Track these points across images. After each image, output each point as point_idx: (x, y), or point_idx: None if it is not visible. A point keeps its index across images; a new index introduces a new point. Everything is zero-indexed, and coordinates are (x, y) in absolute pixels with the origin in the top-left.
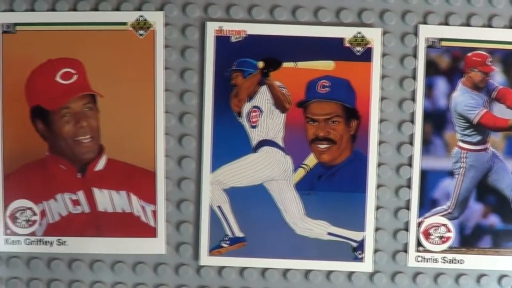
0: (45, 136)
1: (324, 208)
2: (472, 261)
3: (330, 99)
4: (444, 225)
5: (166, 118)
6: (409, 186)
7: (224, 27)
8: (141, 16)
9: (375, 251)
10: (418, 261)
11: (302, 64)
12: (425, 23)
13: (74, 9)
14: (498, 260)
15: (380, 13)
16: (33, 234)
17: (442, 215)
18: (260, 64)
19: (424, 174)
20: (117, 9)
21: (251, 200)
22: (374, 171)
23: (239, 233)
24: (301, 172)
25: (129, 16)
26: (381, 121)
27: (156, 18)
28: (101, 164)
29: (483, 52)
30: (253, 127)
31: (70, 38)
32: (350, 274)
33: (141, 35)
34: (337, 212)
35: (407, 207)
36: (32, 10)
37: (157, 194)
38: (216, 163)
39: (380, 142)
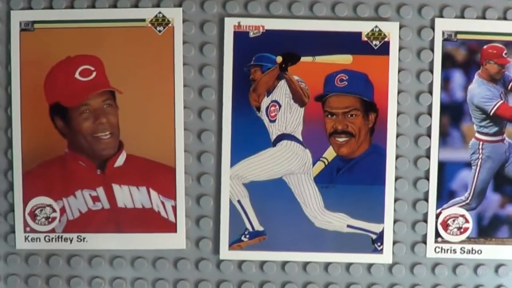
0: (65, 133)
1: (343, 200)
2: (490, 251)
3: (348, 92)
4: (462, 215)
5: (185, 113)
6: (427, 177)
7: (242, 22)
8: (160, 13)
9: (394, 242)
10: (437, 252)
11: (320, 59)
12: (441, 16)
13: (93, 6)
14: None
15: (396, 7)
16: (52, 231)
17: (460, 206)
18: (279, 59)
19: (441, 165)
20: (136, 5)
21: (271, 194)
22: (392, 163)
23: (258, 227)
24: (320, 165)
25: (147, 13)
26: (399, 114)
27: (174, 15)
28: (120, 160)
29: (498, 45)
30: (272, 121)
31: (88, 35)
32: (369, 266)
33: (159, 31)
34: (356, 205)
35: (426, 199)
36: (50, 7)
37: (177, 189)
38: (236, 158)
39: (398, 135)
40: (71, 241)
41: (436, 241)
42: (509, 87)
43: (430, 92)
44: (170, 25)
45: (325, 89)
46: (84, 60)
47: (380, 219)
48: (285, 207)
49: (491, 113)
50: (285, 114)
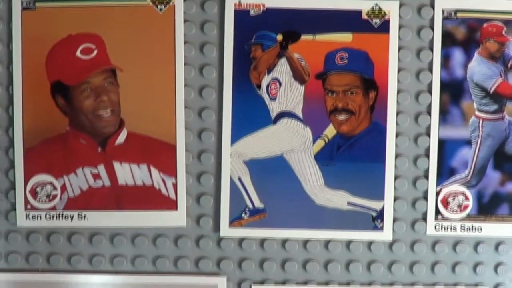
0: (66, 111)
1: (343, 178)
2: (490, 229)
3: (348, 70)
4: (462, 193)
5: (186, 91)
6: (427, 155)
7: (243, 1)
8: None
9: (394, 220)
10: (437, 230)
11: (320, 37)
12: None
13: None
14: None
15: None
16: (53, 208)
17: (460, 184)
18: (279, 37)
19: (441, 143)
20: None
21: (271, 172)
22: (392, 141)
23: (259, 205)
24: (320, 143)
25: None
26: (399, 91)
27: None
28: (121, 138)
29: (498, 23)
30: (273, 99)
31: (90, 14)
32: (369, 244)
33: (160, 10)
34: (357, 182)
35: (426, 176)
36: None
37: (178, 166)
38: (236, 136)
39: (398, 113)
40: (71, 218)
41: (436, 219)
42: (509, 65)
43: (430, 70)
44: (171, 3)
45: (326, 67)
46: (85, 38)
47: (380, 196)
48: (285, 184)
49: (491, 91)
50: (286, 92)
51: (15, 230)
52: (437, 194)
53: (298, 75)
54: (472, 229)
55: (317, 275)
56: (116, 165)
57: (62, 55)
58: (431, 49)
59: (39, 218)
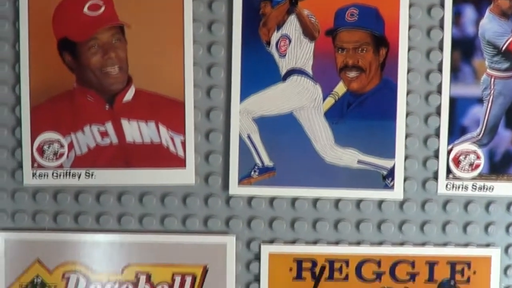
0: (73, 68)
1: (353, 136)
2: (502, 188)
3: (358, 27)
4: (474, 152)
5: (194, 48)
6: (438, 113)
7: None
8: None
9: (405, 179)
10: (448, 189)
11: None
12: None
13: None
14: None
15: None
16: (60, 166)
17: (472, 142)
18: None
19: (453, 101)
20: None
21: (281, 129)
22: (403, 99)
23: (268, 163)
24: (330, 101)
25: None
26: (410, 49)
27: None
28: (129, 95)
29: None
30: (282, 56)
31: None
32: (380, 203)
33: None
34: (367, 140)
35: (437, 135)
36: None
37: (186, 124)
38: (245, 93)
39: (409, 70)
40: (79, 177)
41: (447, 178)
42: None
43: (441, 27)
44: None
45: (336, 23)
46: None
47: (391, 155)
48: (295, 142)
49: (503, 49)
50: (295, 49)
51: (22, 189)
52: (448, 152)
53: (308, 32)
54: (484, 189)
55: (327, 234)
56: (124, 123)
57: (70, 11)
58: (442, 5)
59: (46, 176)
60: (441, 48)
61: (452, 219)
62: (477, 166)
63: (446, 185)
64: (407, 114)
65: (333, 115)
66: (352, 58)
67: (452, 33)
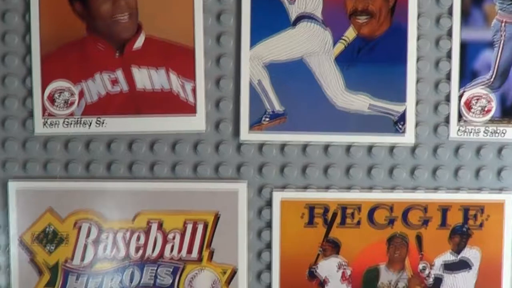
0: (83, 16)
1: (364, 81)
2: None
3: None
4: (486, 96)
5: None
6: (449, 58)
7: None
8: None
9: (416, 124)
10: (460, 133)
11: None
12: None
13: None
14: None
15: None
16: (71, 114)
17: (483, 86)
18: None
19: (463, 46)
20: None
21: (291, 75)
22: (413, 43)
23: (279, 108)
24: (340, 46)
25: None
26: None
27: None
28: (139, 42)
29: None
30: (291, 2)
31: None
32: (391, 148)
33: None
34: (378, 85)
35: (448, 79)
36: None
37: (196, 71)
38: (255, 39)
39: (419, 14)
40: (89, 125)
41: (459, 122)
42: None
43: None
44: None
45: None
46: None
47: (402, 99)
48: (305, 88)
49: None
50: None
51: (33, 138)
52: (460, 97)
53: None
54: (496, 133)
55: (338, 180)
56: (134, 70)
57: None
58: None
59: (56, 125)
60: None
61: (464, 164)
62: (489, 110)
63: (458, 130)
64: (418, 59)
65: (343, 60)
66: (362, 3)
67: None
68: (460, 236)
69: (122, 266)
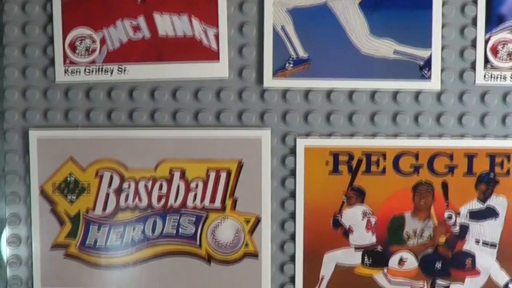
0: None
1: (389, 26)
2: None
3: None
4: None
5: None
6: (475, 2)
7: None
8: None
9: (442, 70)
10: (486, 79)
11: None
12: None
13: None
14: None
15: None
16: (93, 62)
17: (510, 31)
18: None
19: None
20: None
21: (315, 20)
22: None
23: (303, 54)
24: None
25: None
26: None
27: None
28: None
29: None
30: None
31: None
32: (417, 94)
33: None
34: (403, 30)
35: (474, 24)
36: None
37: (219, 17)
38: None
39: None
40: (111, 72)
41: (485, 68)
42: None
43: None
44: None
45: None
46: None
47: (427, 44)
48: (330, 33)
49: None
50: None
51: (54, 86)
52: (486, 42)
53: None
54: None
55: (363, 127)
56: (156, 16)
57: None
58: None
59: (78, 72)
60: None
61: (490, 110)
62: None
63: (484, 75)
64: (443, 3)
65: (368, 5)
66: None
67: None
68: (487, 184)
69: (144, 215)
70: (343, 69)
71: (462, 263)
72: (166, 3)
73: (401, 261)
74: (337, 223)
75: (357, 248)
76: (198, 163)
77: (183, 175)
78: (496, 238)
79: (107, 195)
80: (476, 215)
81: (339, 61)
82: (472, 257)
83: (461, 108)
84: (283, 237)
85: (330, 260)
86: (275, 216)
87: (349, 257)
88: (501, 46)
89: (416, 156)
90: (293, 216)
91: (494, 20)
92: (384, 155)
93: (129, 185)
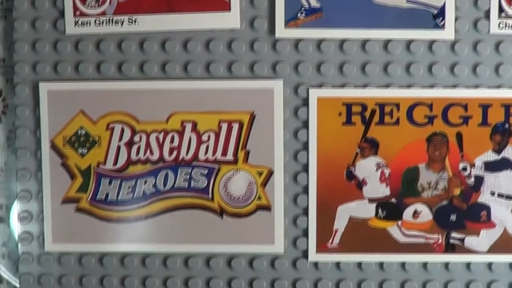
0: None
1: None
2: None
3: None
4: None
5: None
6: None
7: None
8: None
9: (456, 18)
10: (501, 28)
11: None
12: None
13: None
14: None
15: None
16: (103, 13)
17: None
18: None
19: None
20: None
21: None
22: None
23: (315, 3)
24: None
25: None
26: None
27: None
28: None
29: None
30: None
31: None
32: (430, 44)
33: None
34: None
35: None
36: None
37: None
38: None
39: None
40: (122, 23)
41: (500, 16)
42: None
43: None
44: None
45: None
46: None
47: None
48: None
49: None
50: None
51: (64, 38)
52: None
53: None
54: None
55: (376, 78)
56: None
57: None
58: None
59: (88, 24)
60: None
61: (505, 60)
62: None
63: (499, 24)
64: None
65: None
66: None
67: None
68: (502, 135)
69: (155, 168)
70: (355, 18)
71: (477, 215)
72: None
73: (415, 214)
74: (350, 175)
75: (370, 200)
76: (209, 115)
77: (194, 127)
78: (511, 189)
79: (118, 148)
80: (491, 167)
81: (352, 10)
82: (487, 209)
83: (475, 58)
84: (296, 189)
85: (344, 213)
86: (287, 168)
87: (363, 209)
88: None
89: (430, 107)
90: (306, 168)
91: None
92: (397, 106)
93: (140, 138)
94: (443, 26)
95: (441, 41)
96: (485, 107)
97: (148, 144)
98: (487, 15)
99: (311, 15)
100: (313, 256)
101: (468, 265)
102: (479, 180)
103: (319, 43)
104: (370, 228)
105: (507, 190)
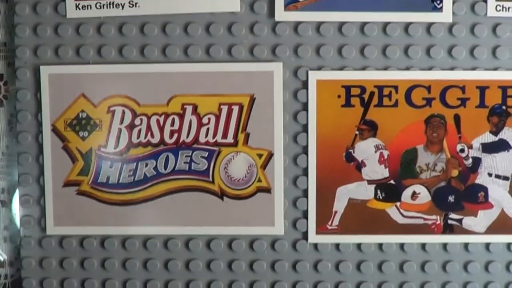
0: None
1: None
2: None
3: None
4: None
5: None
6: None
7: None
8: None
9: (454, 1)
10: (498, 10)
11: None
12: None
13: None
14: None
15: None
16: None
17: None
18: None
19: None
20: None
21: None
22: None
23: None
24: None
25: None
26: None
27: None
28: None
29: None
30: None
31: None
32: (429, 26)
33: None
34: None
35: None
36: None
37: None
38: None
39: None
40: (122, 6)
41: None
42: None
43: None
44: None
45: None
46: None
47: None
48: None
49: None
50: None
51: (65, 22)
52: None
53: None
54: None
55: (375, 60)
56: None
57: None
58: None
59: (89, 7)
60: None
61: (502, 42)
62: None
63: (496, 7)
64: None
65: None
66: None
67: None
68: (499, 116)
69: (156, 151)
70: (354, 1)
71: (475, 196)
72: None
73: (414, 195)
74: (349, 157)
75: (370, 182)
76: (210, 97)
77: (195, 110)
78: (508, 171)
79: (119, 131)
80: (488, 148)
81: None
82: (485, 190)
83: (473, 40)
84: (296, 171)
85: (343, 195)
86: (287, 150)
87: (362, 191)
88: None
89: (428, 89)
90: (305, 150)
91: None
92: (396, 88)
93: (141, 121)
94: (441, 9)
95: (439, 24)
96: (482, 89)
97: (148, 127)
98: None
99: None
100: (313, 237)
101: (466, 245)
102: (477, 162)
103: (318, 25)
104: (369, 209)
105: (504, 171)
